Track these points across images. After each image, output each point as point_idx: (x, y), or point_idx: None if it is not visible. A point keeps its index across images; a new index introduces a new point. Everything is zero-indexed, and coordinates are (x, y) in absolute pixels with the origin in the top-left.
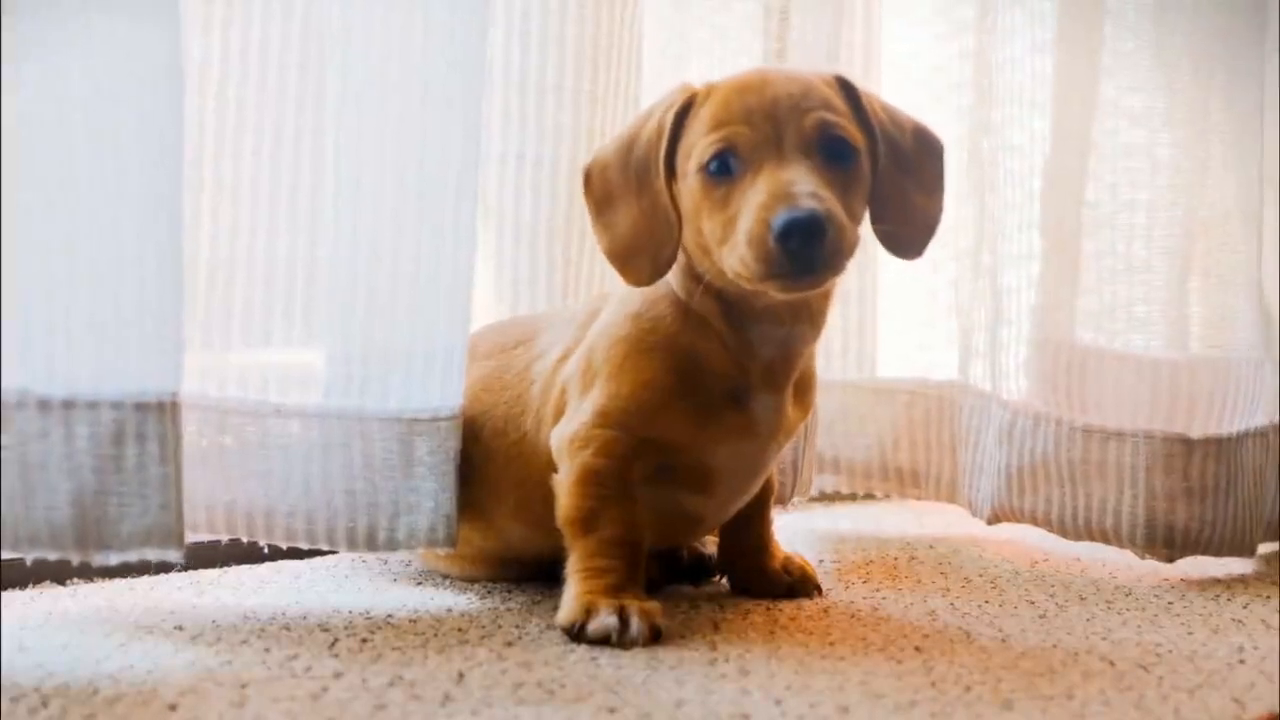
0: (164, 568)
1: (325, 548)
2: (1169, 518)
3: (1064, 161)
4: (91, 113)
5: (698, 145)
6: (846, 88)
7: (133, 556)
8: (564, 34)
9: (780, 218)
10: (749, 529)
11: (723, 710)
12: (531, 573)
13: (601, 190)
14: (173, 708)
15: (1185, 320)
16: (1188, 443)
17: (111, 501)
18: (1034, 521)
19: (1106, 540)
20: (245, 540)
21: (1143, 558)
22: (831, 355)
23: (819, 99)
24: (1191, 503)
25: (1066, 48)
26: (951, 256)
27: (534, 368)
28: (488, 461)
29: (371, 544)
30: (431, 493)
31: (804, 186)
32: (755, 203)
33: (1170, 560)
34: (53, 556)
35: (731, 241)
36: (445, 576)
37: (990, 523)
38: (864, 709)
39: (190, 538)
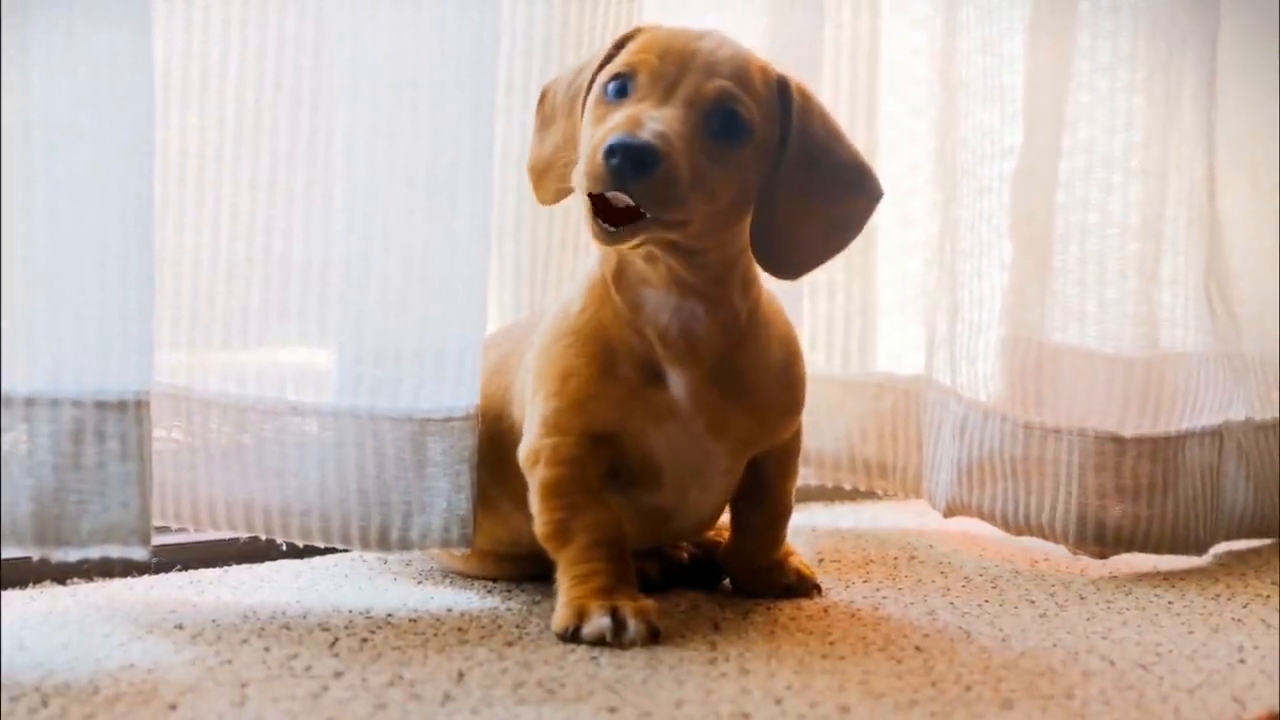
0: (164, 567)
1: (340, 546)
2: (1100, 515)
3: (1034, 161)
4: (54, 108)
5: (611, 66)
6: (783, 86)
7: (94, 554)
8: (531, 32)
9: (614, 137)
10: (755, 535)
11: (723, 710)
12: (542, 571)
13: (548, 109)
14: (173, 707)
15: (1135, 319)
16: (1120, 441)
17: (70, 499)
18: (981, 516)
19: (1043, 536)
20: (263, 537)
21: (1075, 554)
22: (816, 349)
23: (735, 73)
24: (1124, 500)
25: (1038, 49)
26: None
27: (526, 358)
28: (493, 448)
29: (384, 543)
30: (444, 493)
31: (655, 124)
32: (609, 123)
33: (1103, 557)
34: (13, 553)
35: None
36: (462, 575)
37: (946, 516)
38: (864, 708)
39: (209, 535)
